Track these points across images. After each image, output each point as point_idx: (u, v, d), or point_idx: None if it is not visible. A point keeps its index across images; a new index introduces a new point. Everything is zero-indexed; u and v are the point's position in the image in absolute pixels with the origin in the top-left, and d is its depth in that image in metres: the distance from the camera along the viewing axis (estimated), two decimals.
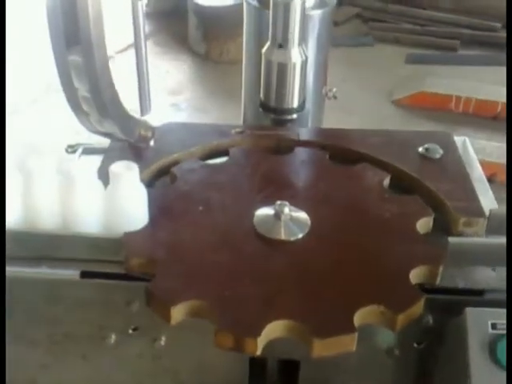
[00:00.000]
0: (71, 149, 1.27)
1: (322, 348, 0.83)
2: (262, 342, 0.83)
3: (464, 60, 3.96)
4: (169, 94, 3.86)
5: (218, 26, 3.99)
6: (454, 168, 1.18)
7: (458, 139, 1.33)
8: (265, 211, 1.05)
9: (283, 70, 1.26)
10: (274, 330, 0.85)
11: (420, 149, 1.21)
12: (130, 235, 0.98)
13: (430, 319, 0.99)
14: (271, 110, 1.31)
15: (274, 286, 0.92)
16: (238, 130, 1.27)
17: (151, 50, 4.58)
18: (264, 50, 1.26)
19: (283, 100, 1.29)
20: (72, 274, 0.99)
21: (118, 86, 0.93)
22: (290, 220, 1.03)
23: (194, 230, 1.03)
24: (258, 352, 0.83)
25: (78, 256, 0.99)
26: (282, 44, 1.22)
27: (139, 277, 0.95)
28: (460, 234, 1.05)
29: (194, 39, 4.38)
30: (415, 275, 0.94)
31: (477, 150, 1.35)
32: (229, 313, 0.86)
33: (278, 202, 1.03)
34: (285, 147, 1.25)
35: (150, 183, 1.14)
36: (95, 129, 0.97)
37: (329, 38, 1.36)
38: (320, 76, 1.38)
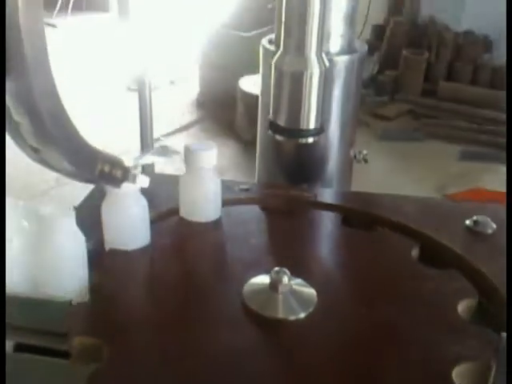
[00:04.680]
0: None
1: None
2: None
3: None
4: None
5: None
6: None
7: None
8: (259, 280, 0.82)
9: (297, 80, 1.00)
10: None
11: (467, 221, 0.97)
12: (77, 307, 0.76)
13: None
14: (281, 131, 1.06)
15: None
16: (243, 186, 1.06)
17: (198, 136, 4.53)
18: (275, 59, 1.02)
19: (297, 119, 1.03)
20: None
21: None
22: (289, 293, 0.79)
23: (162, 304, 0.81)
24: None
25: (13, 322, 0.77)
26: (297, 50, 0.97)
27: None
28: None
29: (240, 126, 4.32)
30: (458, 375, 0.69)
31: None
32: None
33: (276, 269, 0.80)
34: (297, 209, 1.02)
35: None
36: (45, 162, 0.77)
37: (358, 91, 1.14)
38: (347, 134, 1.15)
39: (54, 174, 0.78)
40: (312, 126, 1.04)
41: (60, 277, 0.79)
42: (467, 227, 0.96)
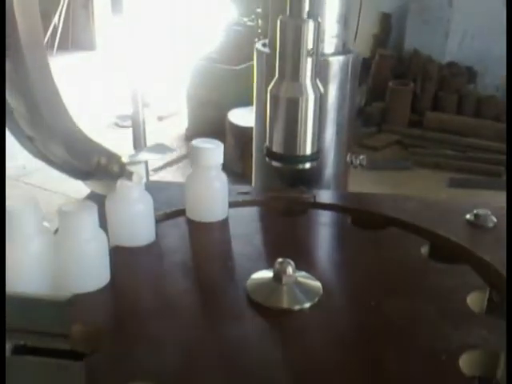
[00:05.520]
0: None
1: None
2: None
3: None
4: None
5: None
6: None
7: None
8: (262, 274, 0.81)
9: (292, 107, 0.99)
10: None
11: (468, 215, 0.96)
12: (79, 297, 0.74)
13: None
14: (278, 158, 1.05)
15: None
16: (242, 190, 1.05)
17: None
18: (270, 86, 1.02)
19: (293, 145, 1.02)
20: None
21: None
22: (294, 284, 0.77)
23: (165, 297, 0.79)
24: None
25: (11, 324, 0.74)
26: (292, 76, 0.97)
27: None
28: None
29: (231, 159, 4.31)
30: (467, 364, 0.67)
31: None
32: None
33: (280, 260, 0.78)
34: (298, 209, 1.01)
35: None
36: (41, 153, 0.75)
37: (354, 92, 1.13)
38: (343, 136, 1.15)
39: None
40: (308, 152, 1.04)
41: (85, 273, 0.77)
42: (468, 221, 0.96)
